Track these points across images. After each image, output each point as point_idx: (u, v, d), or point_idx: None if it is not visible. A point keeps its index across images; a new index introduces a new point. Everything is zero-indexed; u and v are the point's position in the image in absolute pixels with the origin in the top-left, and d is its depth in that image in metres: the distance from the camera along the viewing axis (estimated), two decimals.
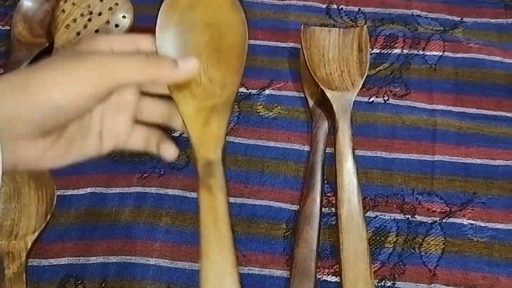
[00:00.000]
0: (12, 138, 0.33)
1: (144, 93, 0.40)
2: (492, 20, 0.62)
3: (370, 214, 0.50)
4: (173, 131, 0.53)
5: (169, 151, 0.42)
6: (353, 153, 0.49)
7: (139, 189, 0.51)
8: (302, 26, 0.57)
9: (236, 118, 0.55)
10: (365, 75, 0.53)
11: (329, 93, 0.51)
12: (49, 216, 0.48)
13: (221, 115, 0.38)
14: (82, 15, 0.56)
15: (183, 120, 0.38)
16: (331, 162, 0.51)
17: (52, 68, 0.34)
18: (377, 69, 0.58)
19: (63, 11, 0.56)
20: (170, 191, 0.51)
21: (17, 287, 0.44)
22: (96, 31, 0.56)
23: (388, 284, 0.47)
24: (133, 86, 0.39)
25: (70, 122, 0.36)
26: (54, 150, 0.36)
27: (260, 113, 0.56)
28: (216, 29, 0.39)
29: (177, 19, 0.39)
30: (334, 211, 0.50)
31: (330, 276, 0.47)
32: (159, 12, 0.39)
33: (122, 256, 0.48)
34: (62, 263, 0.48)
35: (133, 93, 0.39)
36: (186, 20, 0.39)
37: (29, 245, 0.46)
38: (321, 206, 0.49)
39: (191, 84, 0.38)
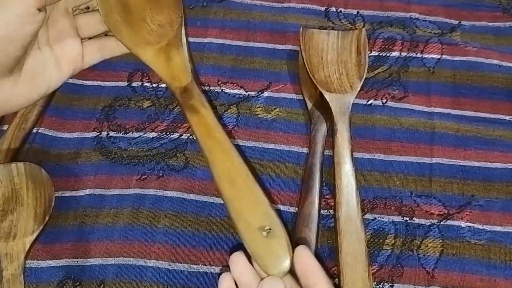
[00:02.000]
0: None
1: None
2: (490, 24, 0.63)
3: (369, 216, 0.50)
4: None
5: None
6: (352, 155, 0.49)
7: (137, 190, 0.51)
8: (301, 29, 0.57)
9: (234, 120, 0.55)
10: (364, 77, 0.53)
11: (327, 96, 0.52)
12: (47, 218, 0.47)
13: (177, 46, 0.43)
14: None
15: (148, 66, 0.43)
16: (330, 164, 0.51)
17: None
18: (376, 71, 0.58)
19: None
20: (169, 193, 0.51)
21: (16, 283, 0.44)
22: None
23: (386, 286, 0.47)
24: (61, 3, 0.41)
25: (21, 51, 0.37)
26: (18, 88, 0.39)
27: (259, 115, 0.56)
28: None
29: None
30: (332, 213, 0.50)
31: None
32: None
33: (120, 258, 0.48)
34: (60, 264, 0.48)
35: (66, 15, 0.42)
36: None
37: (27, 247, 0.46)
38: (320, 208, 0.49)
39: (144, 35, 0.43)
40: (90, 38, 0.45)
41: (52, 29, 0.41)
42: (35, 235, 0.47)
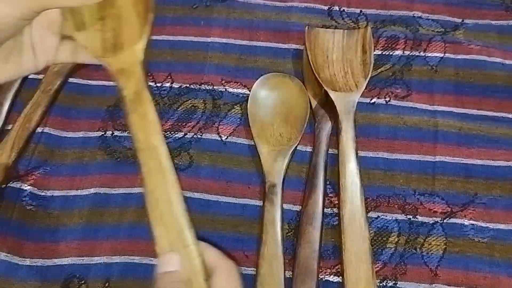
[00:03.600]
0: None
1: None
2: (493, 22, 0.63)
3: (372, 214, 0.50)
4: None
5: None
6: (356, 154, 0.49)
7: (142, 189, 0.51)
8: (306, 28, 0.57)
9: (238, 119, 0.55)
10: (369, 76, 0.53)
11: (333, 94, 0.52)
12: (151, 15, 0.39)
13: (284, 155, 0.51)
14: None
15: (259, 155, 0.52)
16: (333, 163, 0.51)
17: None
18: (379, 70, 0.59)
19: None
20: None
21: (142, 107, 0.37)
22: None
23: (390, 284, 0.47)
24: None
25: (6, 40, 0.38)
26: None
27: None
28: (288, 103, 0.55)
29: (264, 93, 0.56)
30: (336, 211, 0.50)
31: (332, 276, 0.47)
32: (253, 86, 0.56)
33: (125, 256, 0.48)
34: (66, 263, 0.48)
35: (56, 11, 0.41)
36: (270, 95, 0.55)
37: (142, 56, 0.38)
38: (324, 206, 0.49)
39: (267, 136, 0.53)
40: None
41: (39, 19, 0.41)
42: (145, 40, 0.39)
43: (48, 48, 0.43)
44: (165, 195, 0.37)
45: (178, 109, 0.56)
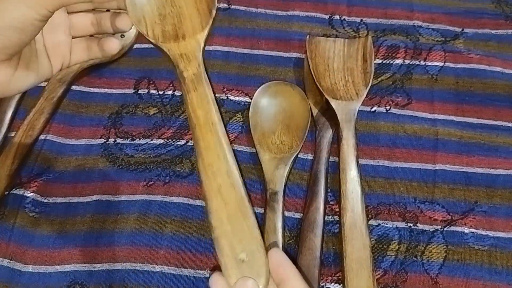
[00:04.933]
0: None
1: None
2: (493, 31, 0.63)
3: (373, 222, 0.50)
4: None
5: (110, 44, 0.46)
6: (357, 162, 0.49)
7: (144, 196, 0.51)
8: (308, 37, 0.58)
9: (240, 127, 0.56)
10: (370, 84, 0.54)
11: (333, 103, 0.52)
12: (214, 12, 0.43)
13: (286, 163, 0.51)
14: None
15: (261, 163, 0.52)
16: (334, 171, 0.52)
17: None
18: (379, 79, 0.59)
19: None
20: (175, 199, 0.51)
21: (202, 87, 0.40)
22: None
23: None
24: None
25: (27, 42, 0.40)
26: (17, 73, 0.41)
27: None
28: (289, 112, 0.55)
29: (266, 101, 0.56)
30: (337, 219, 0.50)
31: (333, 283, 0.48)
32: (255, 94, 0.56)
33: (127, 263, 0.48)
34: (68, 269, 0.48)
35: (62, 11, 0.43)
36: (271, 103, 0.55)
37: (202, 44, 0.42)
38: (325, 214, 0.50)
39: (269, 143, 0.53)
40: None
41: (48, 23, 0.42)
42: (206, 31, 0.42)
43: (62, 50, 0.45)
44: (224, 168, 0.38)
45: (180, 117, 0.56)
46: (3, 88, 0.41)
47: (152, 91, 0.58)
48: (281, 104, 0.55)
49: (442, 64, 0.60)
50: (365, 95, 0.53)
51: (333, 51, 0.57)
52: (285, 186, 0.51)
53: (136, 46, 0.61)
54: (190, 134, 0.55)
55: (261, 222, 0.49)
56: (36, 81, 0.44)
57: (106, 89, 0.58)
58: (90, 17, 0.46)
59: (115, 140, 0.55)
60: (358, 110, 0.52)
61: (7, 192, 0.51)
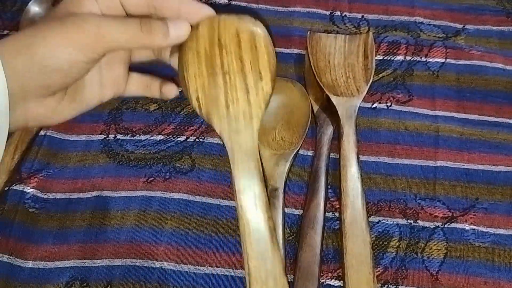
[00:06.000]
0: (23, 100, 0.36)
1: None
2: (494, 28, 0.63)
3: (373, 219, 0.50)
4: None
5: (171, 91, 0.49)
6: (358, 158, 0.49)
7: (144, 192, 0.51)
8: (309, 33, 0.58)
9: None
10: (371, 81, 0.53)
11: (334, 99, 0.52)
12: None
13: (286, 159, 0.51)
14: None
15: (261, 159, 0.49)
16: (335, 167, 0.51)
17: (52, 31, 0.36)
18: (380, 75, 0.59)
19: None
20: (175, 195, 0.51)
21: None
22: None
23: None
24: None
25: (71, 83, 0.39)
26: (60, 106, 0.40)
27: None
28: (290, 108, 0.55)
29: None
30: (337, 215, 0.50)
31: (333, 280, 0.47)
32: None
33: (127, 259, 0.48)
34: (68, 265, 0.48)
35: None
36: (272, 99, 0.51)
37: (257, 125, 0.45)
38: (325, 210, 0.49)
39: (269, 140, 0.53)
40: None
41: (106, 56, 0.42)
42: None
43: (117, 83, 0.44)
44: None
45: (181, 113, 0.56)
46: (45, 118, 0.40)
47: None
48: (281, 100, 0.55)
49: (443, 60, 0.60)
50: (365, 92, 0.53)
51: (334, 47, 0.57)
52: (285, 182, 0.50)
53: None
54: (190, 130, 0.55)
55: None
56: (82, 110, 0.43)
57: None
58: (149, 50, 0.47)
59: (115, 136, 0.55)
60: (359, 107, 0.52)
61: (7, 188, 0.51)
